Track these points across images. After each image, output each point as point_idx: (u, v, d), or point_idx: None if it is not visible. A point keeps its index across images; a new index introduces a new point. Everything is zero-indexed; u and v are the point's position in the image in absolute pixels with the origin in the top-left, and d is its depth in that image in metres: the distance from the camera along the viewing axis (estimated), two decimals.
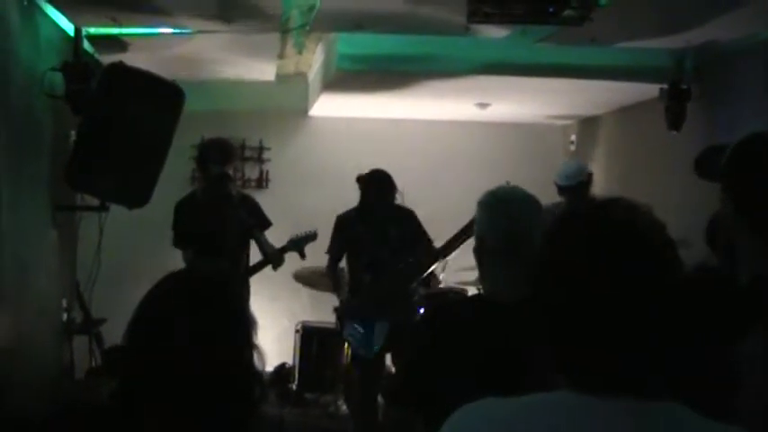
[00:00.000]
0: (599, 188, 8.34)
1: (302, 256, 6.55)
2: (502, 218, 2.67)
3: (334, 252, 6.35)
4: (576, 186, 6.49)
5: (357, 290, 6.23)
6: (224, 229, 6.07)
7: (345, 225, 6.26)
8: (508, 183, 2.98)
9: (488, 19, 4.18)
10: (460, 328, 2.65)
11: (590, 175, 6.68)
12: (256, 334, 1.99)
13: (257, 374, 1.94)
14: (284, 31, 6.28)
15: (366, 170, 6.26)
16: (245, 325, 1.91)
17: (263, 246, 6.38)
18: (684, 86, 6.44)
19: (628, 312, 1.43)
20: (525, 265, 2.57)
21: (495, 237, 2.67)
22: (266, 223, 6.46)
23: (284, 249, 6.43)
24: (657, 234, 1.49)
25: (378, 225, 6.14)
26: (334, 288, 6.52)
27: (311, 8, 5.59)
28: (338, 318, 6.43)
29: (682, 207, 6.16)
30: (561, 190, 6.56)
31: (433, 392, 2.57)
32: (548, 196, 7.23)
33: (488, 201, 2.73)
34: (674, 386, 1.53)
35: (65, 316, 6.29)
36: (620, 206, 1.53)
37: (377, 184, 6.12)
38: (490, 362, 2.53)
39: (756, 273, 2.07)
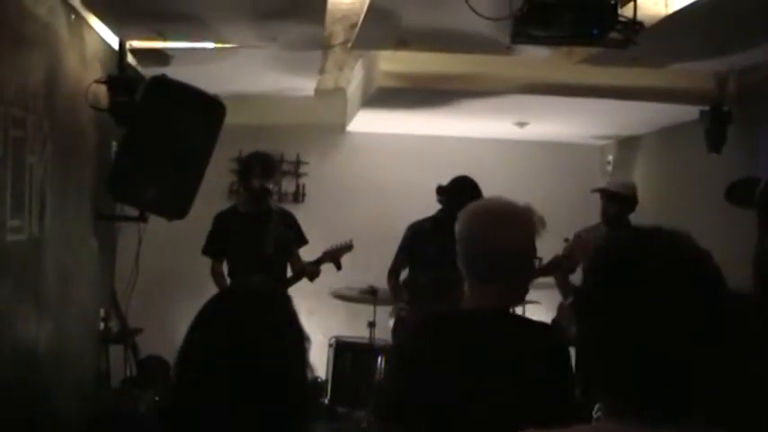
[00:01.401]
0: (637, 209, 8.31)
1: (338, 267, 6.55)
2: (478, 234, 2.69)
3: (399, 261, 6.30)
4: (624, 196, 6.47)
5: (417, 304, 6.13)
6: (264, 243, 6.11)
7: (416, 236, 6.19)
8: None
9: (533, 40, 4.19)
10: (444, 342, 2.66)
11: (636, 196, 6.65)
12: (309, 349, 2.00)
13: (309, 389, 1.95)
14: (326, 48, 6.32)
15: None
16: (298, 341, 1.92)
17: (296, 263, 6.40)
18: (726, 109, 6.40)
19: (675, 342, 1.44)
20: (505, 277, 2.65)
21: (472, 251, 2.70)
22: (303, 240, 6.49)
23: (320, 261, 6.45)
24: (703, 262, 1.50)
25: (448, 241, 6.03)
26: (394, 298, 6.45)
27: (353, 25, 5.63)
28: (393, 330, 6.38)
29: (720, 229, 6.13)
30: (610, 195, 6.54)
31: (419, 406, 2.60)
32: (583, 214, 7.23)
33: (467, 215, 2.76)
34: (720, 413, 1.53)
35: (102, 325, 6.35)
36: (665, 236, 1.54)
37: (458, 195, 6.01)
38: (474, 375, 2.57)
39: None
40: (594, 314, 1.53)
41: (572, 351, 2.73)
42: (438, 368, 2.61)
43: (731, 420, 1.63)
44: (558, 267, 6.26)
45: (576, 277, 6.80)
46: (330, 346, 7.71)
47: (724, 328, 1.48)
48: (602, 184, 7.43)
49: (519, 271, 2.72)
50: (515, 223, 2.70)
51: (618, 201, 6.46)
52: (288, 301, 1.99)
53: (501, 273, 2.67)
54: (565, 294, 6.76)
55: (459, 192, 6.03)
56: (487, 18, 3.91)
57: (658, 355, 1.44)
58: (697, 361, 1.45)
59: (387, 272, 6.37)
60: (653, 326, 1.44)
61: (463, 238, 2.73)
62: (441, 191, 6.20)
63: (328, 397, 7.60)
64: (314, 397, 1.97)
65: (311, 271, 6.39)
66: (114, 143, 6.03)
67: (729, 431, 1.51)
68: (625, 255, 1.53)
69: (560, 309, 6.77)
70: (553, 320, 6.75)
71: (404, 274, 6.38)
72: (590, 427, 1.51)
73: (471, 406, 2.57)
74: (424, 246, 6.03)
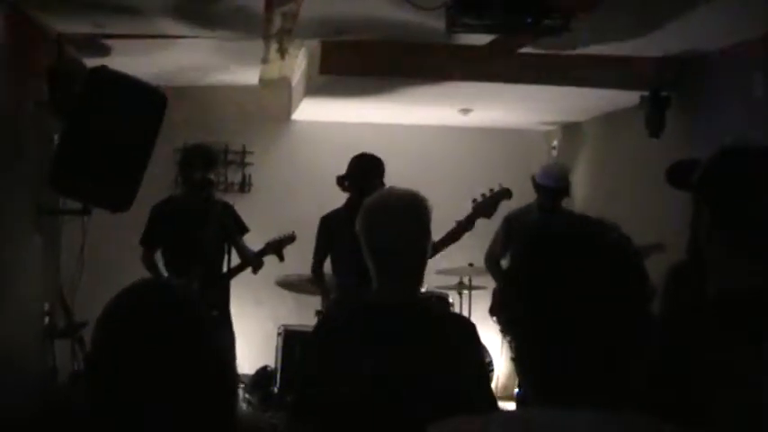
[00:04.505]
0: (581, 193, 8.40)
1: (281, 258, 6.55)
2: (379, 225, 2.78)
3: (318, 255, 6.29)
4: (556, 189, 6.51)
5: (343, 293, 6.14)
6: (206, 234, 6.08)
7: (329, 226, 6.17)
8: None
9: (467, 29, 4.23)
10: (349, 337, 2.75)
11: (569, 183, 6.71)
12: (226, 343, 2.01)
13: (231, 383, 1.95)
14: (267, 37, 6.31)
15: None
16: (207, 337, 1.91)
17: (243, 251, 6.39)
18: (664, 94, 6.49)
19: (595, 328, 1.48)
20: (406, 268, 2.71)
21: (373, 242, 2.79)
22: (245, 229, 6.49)
23: (263, 253, 6.44)
24: (626, 255, 1.55)
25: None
26: (321, 292, 6.47)
27: (294, 14, 5.62)
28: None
29: (660, 212, 6.24)
30: (541, 189, 6.57)
31: (328, 404, 2.68)
32: (529, 200, 7.29)
33: (368, 207, 2.85)
34: (643, 395, 1.58)
35: (47, 320, 6.30)
36: (591, 225, 1.59)
37: (360, 176, 5.97)
38: (379, 370, 2.64)
39: (730, 286, 2.10)
40: (519, 299, 1.56)
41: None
42: (344, 362, 2.68)
43: (656, 406, 1.68)
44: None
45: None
46: (279, 334, 7.72)
47: (645, 314, 1.53)
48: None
49: (416, 260, 2.81)
50: (409, 215, 2.79)
51: (552, 194, 6.50)
52: (192, 297, 1.98)
53: (399, 264, 2.76)
54: (498, 281, 6.81)
55: (359, 172, 5.98)
56: (420, 7, 3.95)
57: (579, 342, 1.48)
58: (618, 346, 1.49)
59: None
60: (574, 312, 1.48)
61: (362, 233, 2.81)
62: (341, 180, 6.10)
63: (278, 386, 7.60)
64: (232, 385, 1.97)
65: (254, 263, 6.39)
66: (55, 136, 5.97)
67: (654, 416, 1.55)
68: (549, 243, 1.57)
69: (495, 295, 6.81)
70: (490, 308, 6.79)
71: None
72: (515, 412, 1.54)
73: (377, 401, 2.63)
74: (338, 233, 5.92)
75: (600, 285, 1.50)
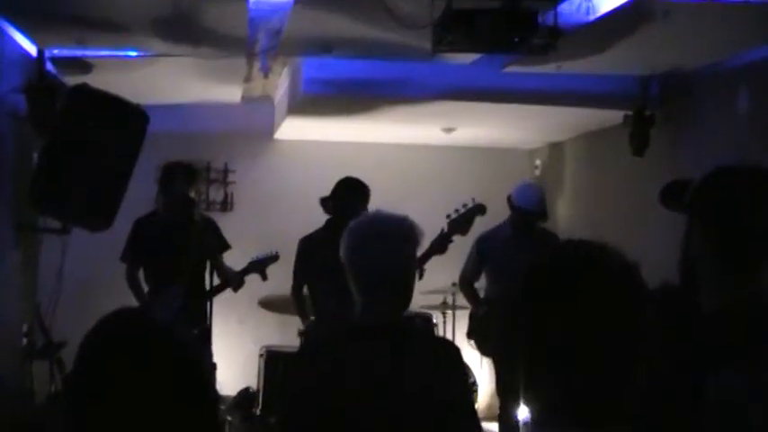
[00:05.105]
0: (565, 212, 8.39)
1: (264, 277, 6.50)
2: (367, 248, 2.74)
3: (298, 276, 6.23)
4: (534, 212, 6.40)
5: (321, 316, 6.09)
6: (186, 251, 6.03)
7: (309, 247, 6.12)
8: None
9: (453, 47, 4.22)
10: (334, 359, 2.72)
11: (546, 207, 6.64)
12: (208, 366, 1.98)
13: (215, 408, 1.91)
14: (250, 55, 6.28)
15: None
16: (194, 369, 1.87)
17: (223, 269, 6.33)
18: (648, 113, 6.49)
19: (597, 353, 1.47)
20: (393, 291, 2.67)
21: (360, 265, 2.75)
22: (226, 246, 6.44)
23: (245, 271, 6.39)
24: (630, 278, 1.54)
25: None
26: (299, 314, 6.42)
27: (278, 32, 5.60)
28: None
29: (644, 229, 6.23)
30: (516, 210, 6.44)
31: (313, 426, 2.64)
32: None
33: (351, 233, 2.80)
34: (644, 415, 1.56)
35: (25, 340, 6.21)
36: (593, 250, 1.56)
37: (344, 198, 5.90)
38: (365, 392, 2.62)
39: (724, 303, 2.10)
40: (520, 325, 1.54)
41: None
42: (329, 383, 2.64)
43: (659, 421, 1.66)
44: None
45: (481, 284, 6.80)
46: (261, 356, 7.65)
47: (647, 340, 1.52)
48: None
49: (404, 283, 2.78)
50: (397, 238, 2.75)
51: (528, 216, 6.39)
52: (177, 329, 1.94)
53: (387, 287, 2.73)
54: (474, 303, 6.74)
55: (343, 196, 5.94)
56: (407, 26, 3.93)
57: (581, 366, 1.47)
58: (619, 370, 1.48)
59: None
60: (576, 338, 1.47)
61: (348, 255, 2.76)
62: (324, 202, 6.05)
63: (260, 407, 7.53)
64: (216, 410, 1.93)
65: (236, 282, 6.33)
66: (35, 154, 5.91)
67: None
68: (554, 268, 1.56)
69: (471, 319, 6.75)
70: (468, 332, 6.74)
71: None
72: None
73: (363, 424, 2.60)
74: (318, 255, 5.85)
75: (614, 309, 1.49)
